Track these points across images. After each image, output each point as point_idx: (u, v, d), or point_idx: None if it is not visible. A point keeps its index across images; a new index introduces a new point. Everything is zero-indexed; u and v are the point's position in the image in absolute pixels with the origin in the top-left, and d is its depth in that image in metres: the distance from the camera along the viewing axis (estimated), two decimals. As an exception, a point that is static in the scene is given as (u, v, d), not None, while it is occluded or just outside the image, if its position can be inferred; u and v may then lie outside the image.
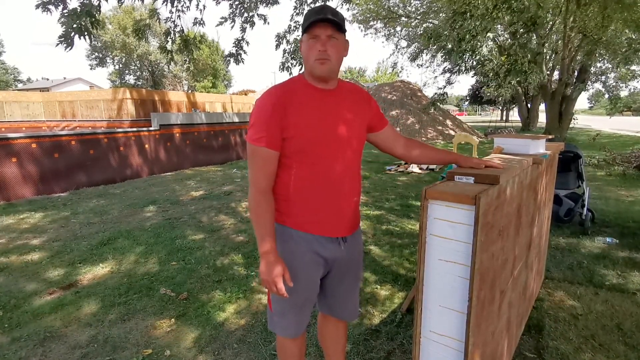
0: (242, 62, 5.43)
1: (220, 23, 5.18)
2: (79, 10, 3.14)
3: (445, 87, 6.54)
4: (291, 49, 5.91)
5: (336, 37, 1.21)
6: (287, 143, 1.23)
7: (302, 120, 1.22)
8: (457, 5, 5.50)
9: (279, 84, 1.28)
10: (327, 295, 1.47)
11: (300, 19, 5.63)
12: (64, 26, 3.16)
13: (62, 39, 3.24)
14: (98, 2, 3.38)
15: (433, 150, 1.51)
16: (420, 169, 8.00)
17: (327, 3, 5.38)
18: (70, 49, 3.32)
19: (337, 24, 1.19)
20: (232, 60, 5.38)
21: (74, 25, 3.13)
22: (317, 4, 5.52)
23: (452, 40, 5.34)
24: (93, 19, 3.28)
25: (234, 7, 5.09)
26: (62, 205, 5.27)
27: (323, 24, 1.18)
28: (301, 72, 1.34)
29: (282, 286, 1.23)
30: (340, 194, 1.30)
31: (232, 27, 5.19)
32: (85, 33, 3.24)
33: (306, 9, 5.62)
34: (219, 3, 5.04)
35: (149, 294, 2.68)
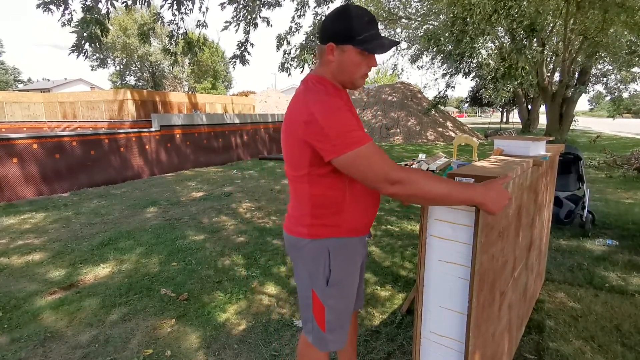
0: (248, 63, 5.45)
1: (225, 27, 5.21)
2: (88, 18, 3.21)
3: (446, 90, 6.53)
4: (291, 50, 5.93)
5: None
6: None
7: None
8: (457, 10, 5.50)
9: (322, 85, 1.16)
10: None
11: (302, 21, 5.62)
12: (76, 35, 3.26)
13: (74, 47, 3.35)
14: (107, 9, 3.44)
15: None
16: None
17: (330, 6, 5.37)
18: (85, 58, 3.47)
19: None
20: (237, 61, 5.40)
21: (85, 34, 3.20)
22: (327, 6, 5.49)
23: (451, 43, 5.34)
24: (102, 27, 3.35)
25: (238, 10, 5.10)
26: (63, 205, 5.28)
27: None
28: (311, 72, 1.24)
29: None
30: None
31: (236, 30, 5.23)
32: (96, 41, 3.33)
33: (308, 11, 5.61)
34: (224, 8, 5.06)
35: (149, 295, 2.69)
